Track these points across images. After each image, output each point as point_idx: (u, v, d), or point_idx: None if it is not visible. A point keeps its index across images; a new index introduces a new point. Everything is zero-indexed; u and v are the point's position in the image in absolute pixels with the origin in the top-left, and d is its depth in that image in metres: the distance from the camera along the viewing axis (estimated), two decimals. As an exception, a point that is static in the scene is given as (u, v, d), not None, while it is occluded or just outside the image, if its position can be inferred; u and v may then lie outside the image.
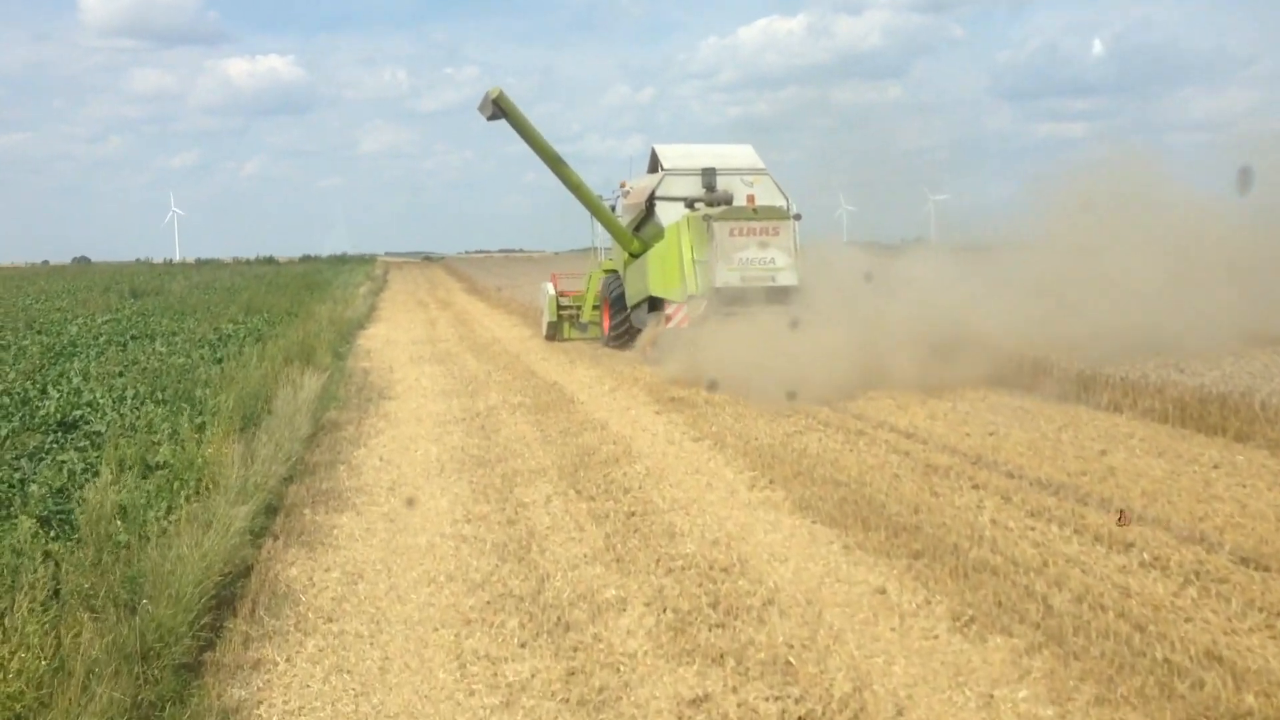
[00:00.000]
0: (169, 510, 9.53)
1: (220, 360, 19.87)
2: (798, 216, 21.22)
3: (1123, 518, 9.54)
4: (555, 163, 22.87)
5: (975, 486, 10.42)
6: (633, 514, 9.75)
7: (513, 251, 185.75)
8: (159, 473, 10.68)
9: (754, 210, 20.87)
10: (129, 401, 14.70)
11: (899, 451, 12.13)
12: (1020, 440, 12.56)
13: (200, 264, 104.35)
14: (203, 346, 22.08)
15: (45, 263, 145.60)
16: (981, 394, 16.16)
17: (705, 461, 11.95)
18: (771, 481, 10.83)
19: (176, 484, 10.38)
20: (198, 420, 13.10)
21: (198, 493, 10.10)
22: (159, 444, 12.02)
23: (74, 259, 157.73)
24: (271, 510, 10.13)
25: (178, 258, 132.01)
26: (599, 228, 25.19)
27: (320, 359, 21.24)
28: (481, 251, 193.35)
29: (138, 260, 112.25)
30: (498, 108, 21.77)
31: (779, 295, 19.88)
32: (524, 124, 22.21)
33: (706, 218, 20.43)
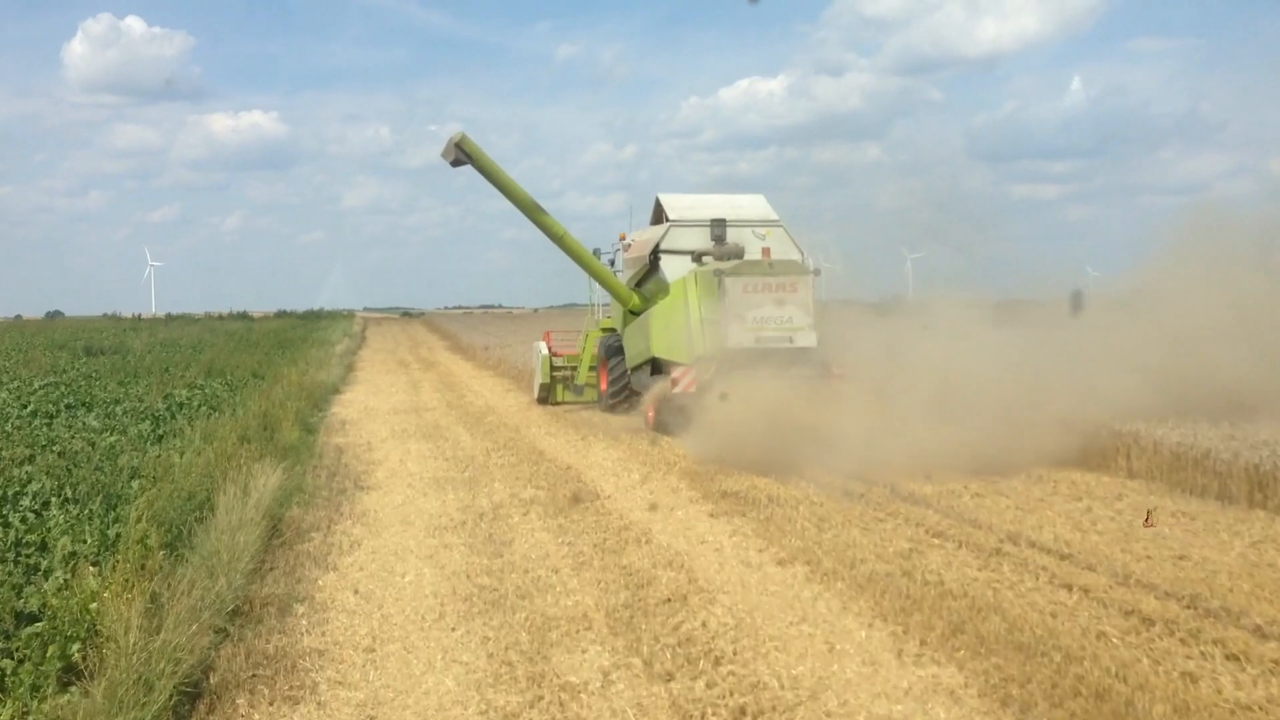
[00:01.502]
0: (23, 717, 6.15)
1: (162, 438, 16.49)
2: (817, 272, 18.93)
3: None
4: (533, 211, 20.76)
5: (1231, 656, 7.08)
6: (743, 713, 6.34)
7: (492, 307, 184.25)
8: (28, 630, 7.29)
9: (769, 264, 18.56)
10: (28, 501, 11.36)
11: (1070, 586, 8.78)
12: (1227, 568, 9.25)
13: (170, 319, 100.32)
14: (145, 419, 18.63)
15: (18, 317, 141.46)
16: (1115, 490, 12.88)
17: (810, 602, 8.55)
18: (924, 644, 7.45)
19: (52, 650, 7.00)
20: (112, 531, 9.77)
21: (84, 665, 6.73)
22: (48, 572, 8.72)
23: (47, 313, 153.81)
24: (186, 701, 6.67)
25: (152, 312, 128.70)
26: (596, 283, 22.85)
27: (285, 435, 17.84)
28: (461, 307, 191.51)
29: (104, 315, 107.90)
30: (461, 151, 19.89)
31: (798, 358, 17.50)
32: (492, 169, 20.28)
33: (718, 272, 18.13)
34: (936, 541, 10.47)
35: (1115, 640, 7.41)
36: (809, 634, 7.75)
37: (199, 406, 20.74)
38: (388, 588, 9.37)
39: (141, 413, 19.67)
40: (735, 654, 7.32)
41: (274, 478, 12.40)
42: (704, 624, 7.99)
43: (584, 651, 7.49)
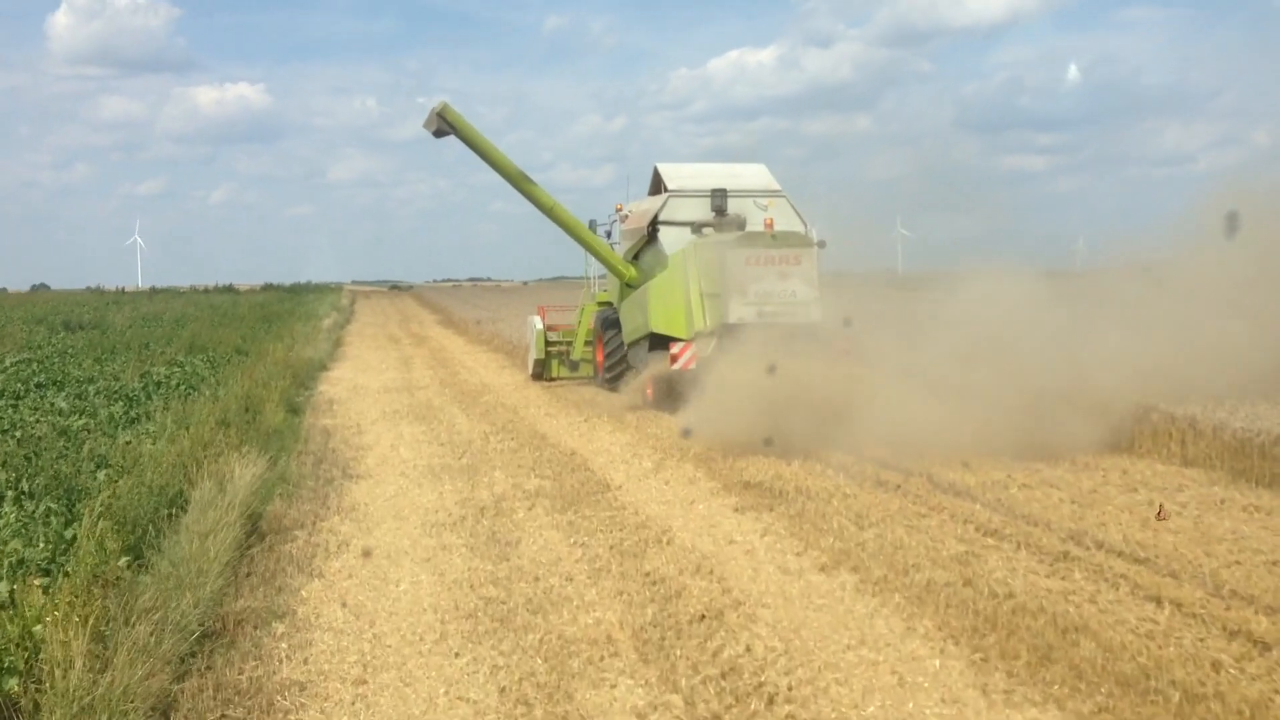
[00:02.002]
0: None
1: (135, 421, 15.36)
2: (822, 244, 17.73)
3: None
4: (521, 181, 20.20)
5: (1376, 693, 6.02)
6: (813, 773, 5.25)
7: (481, 280, 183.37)
8: (-43, 661, 6.18)
9: (773, 236, 17.66)
10: (-24, 497, 10.24)
11: (1158, 599, 7.70)
12: (1328, 575, 8.20)
13: (154, 293, 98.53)
14: (118, 400, 17.47)
15: (2, 290, 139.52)
16: (1173, 480, 11.83)
17: (866, 619, 7.45)
18: (1011, 675, 6.36)
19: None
20: (69, 532, 8.70)
21: (24, 703, 5.66)
22: (-9, 585, 7.61)
23: (31, 287, 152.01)
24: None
25: (138, 285, 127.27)
26: (592, 256, 21.95)
27: (268, 417, 16.71)
28: (450, 280, 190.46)
29: (88, 288, 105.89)
30: (444, 121, 19.29)
31: (802, 333, 16.30)
32: (477, 139, 19.72)
33: (719, 244, 17.16)
34: (992, 542, 9.39)
35: (1233, 671, 6.33)
36: (872, 661, 6.66)
37: (177, 386, 19.61)
38: (380, 599, 8.25)
39: (115, 393, 18.52)
40: (790, 689, 6.23)
41: (254, 468, 11.25)
42: (748, 648, 6.90)
43: (612, 686, 6.39)
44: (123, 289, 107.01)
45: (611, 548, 9.52)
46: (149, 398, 18.03)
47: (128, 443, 12.76)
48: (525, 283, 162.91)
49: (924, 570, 8.47)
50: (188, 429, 13.26)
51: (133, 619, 6.53)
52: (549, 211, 20.42)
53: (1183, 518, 10.13)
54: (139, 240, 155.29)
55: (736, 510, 10.89)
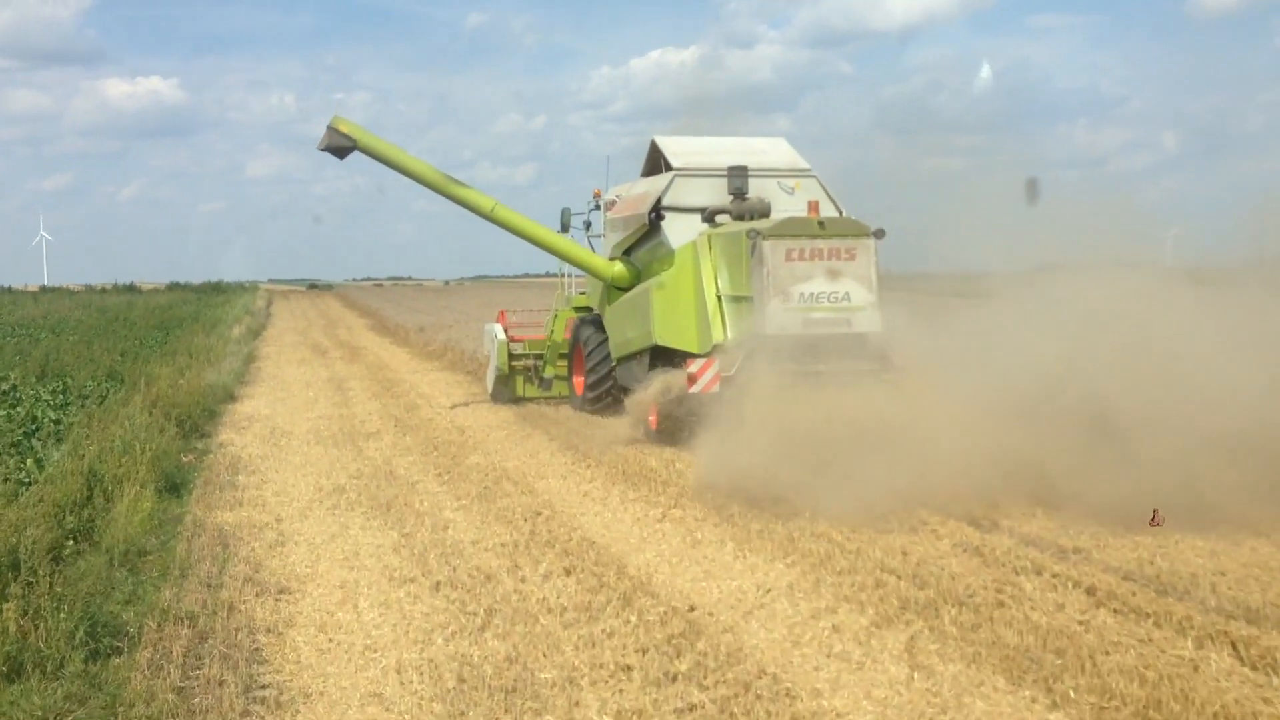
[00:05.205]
0: None
1: None
2: (879, 233, 13.86)
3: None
4: (447, 186, 17.75)
5: None
6: None
7: (402, 279, 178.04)
8: None
9: (820, 224, 14.00)
10: None
11: None
12: None
13: (43, 292, 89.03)
14: None
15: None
16: None
17: None
18: None
19: None
20: None
21: None
22: None
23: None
24: None
25: (43, 283, 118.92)
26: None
27: (122, 516, 9.57)
28: (369, 279, 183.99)
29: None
30: (339, 135, 17.28)
31: (855, 346, 12.97)
32: (383, 148, 17.58)
33: (752, 234, 13.76)
34: None
35: None
36: None
37: (-16, 450, 12.28)
38: None
39: None
40: None
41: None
42: None
43: None
44: (9, 287, 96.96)
45: None
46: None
47: None
48: (447, 282, 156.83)
49: None
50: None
51: None
52: (489, 215, 17.72)
53: None
54: (44, 236, 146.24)
55: None
